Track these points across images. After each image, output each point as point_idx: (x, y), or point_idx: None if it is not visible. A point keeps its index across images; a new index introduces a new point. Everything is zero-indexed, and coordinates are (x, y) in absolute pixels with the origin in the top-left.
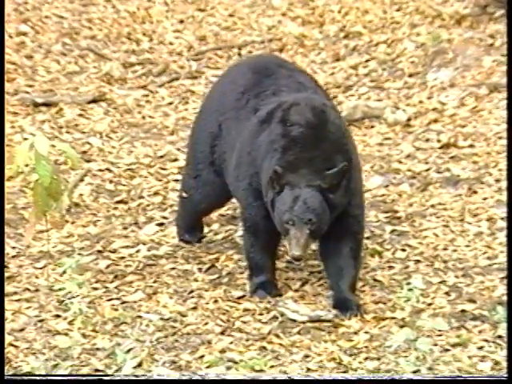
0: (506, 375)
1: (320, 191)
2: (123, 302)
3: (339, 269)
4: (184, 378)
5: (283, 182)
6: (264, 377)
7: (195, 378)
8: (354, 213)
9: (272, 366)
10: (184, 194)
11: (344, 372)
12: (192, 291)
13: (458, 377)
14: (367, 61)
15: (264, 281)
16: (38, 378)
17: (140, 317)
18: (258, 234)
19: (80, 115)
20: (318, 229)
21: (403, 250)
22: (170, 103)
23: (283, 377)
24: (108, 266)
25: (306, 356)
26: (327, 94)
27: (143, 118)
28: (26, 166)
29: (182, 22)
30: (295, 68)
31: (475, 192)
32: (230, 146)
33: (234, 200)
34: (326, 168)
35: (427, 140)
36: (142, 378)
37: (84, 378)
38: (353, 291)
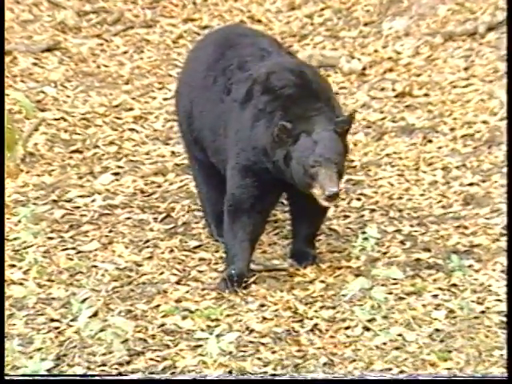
0: (506, 375)
1: (336, 134)
2: (78, 252)
3: (307, 220)
4: (184, 378)
5: (297, 132)
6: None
7: (195, 378)
8: None
9: (228, 315)
10: (197, 189)
11: (300, 321)
12: (147, 241)
13: (458, 377)
14: (322, 10)
15: (236, 271)
16: (38, 378)
17: (95, 266)
18: (240, 215)
19: (34, 64)
20: (340, 171)
21: (358, 200)
22: (125, 52)
23: (283, 377)
24: (63, 216)
25: (262, 305)
26: (291, 53)
27: (98, 67)
28: None
29: None
30: (258, 34)
31: (430, 141)
32: (208, 128)
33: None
34: (335, 116)
35: (382, 89)
36: (143, 378)
37: (85, 379)
38: (312, 243)
